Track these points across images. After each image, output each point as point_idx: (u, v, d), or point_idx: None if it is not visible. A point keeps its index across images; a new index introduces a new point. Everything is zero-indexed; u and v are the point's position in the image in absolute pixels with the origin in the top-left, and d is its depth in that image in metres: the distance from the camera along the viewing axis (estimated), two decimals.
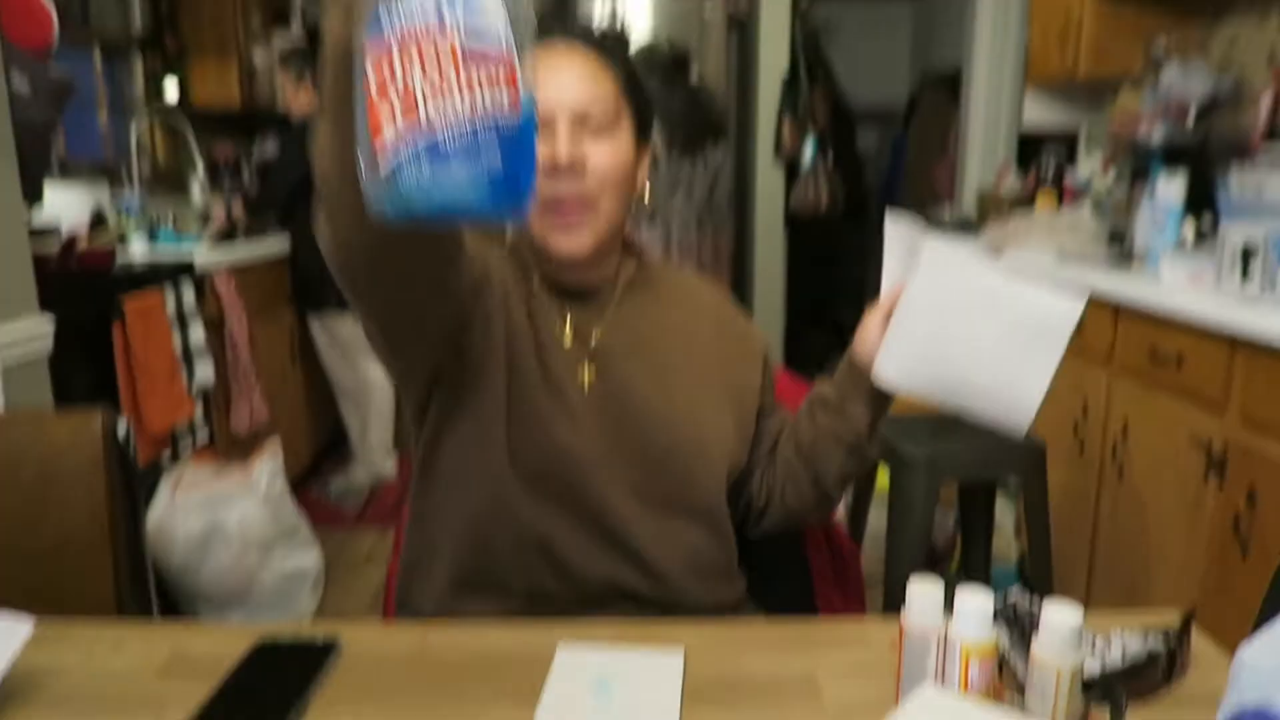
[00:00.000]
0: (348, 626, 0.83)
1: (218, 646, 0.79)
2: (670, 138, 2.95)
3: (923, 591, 0.74)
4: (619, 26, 2.60)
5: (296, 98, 3.21)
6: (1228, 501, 1.74)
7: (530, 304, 0.99)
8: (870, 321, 0.97)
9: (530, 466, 0.94)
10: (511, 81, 0.58)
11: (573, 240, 0.94)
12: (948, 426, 2.08)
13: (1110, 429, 2.17)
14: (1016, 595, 0.81)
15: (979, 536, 2.28)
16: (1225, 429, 1.77)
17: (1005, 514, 2.74)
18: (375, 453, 3.45)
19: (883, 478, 2.15)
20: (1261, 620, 0.50)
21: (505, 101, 0.58)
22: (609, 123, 0.94)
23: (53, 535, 1.11)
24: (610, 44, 0.97)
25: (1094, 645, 0.79)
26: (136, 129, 3.41)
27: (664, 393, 0.99)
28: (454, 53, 0.56)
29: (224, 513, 1.91)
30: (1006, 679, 0.76)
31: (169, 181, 3.78)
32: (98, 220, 2.89)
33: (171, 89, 3.66)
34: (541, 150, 0.89)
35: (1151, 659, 0.77)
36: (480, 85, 0.57)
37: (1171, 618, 0.81)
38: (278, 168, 3.42)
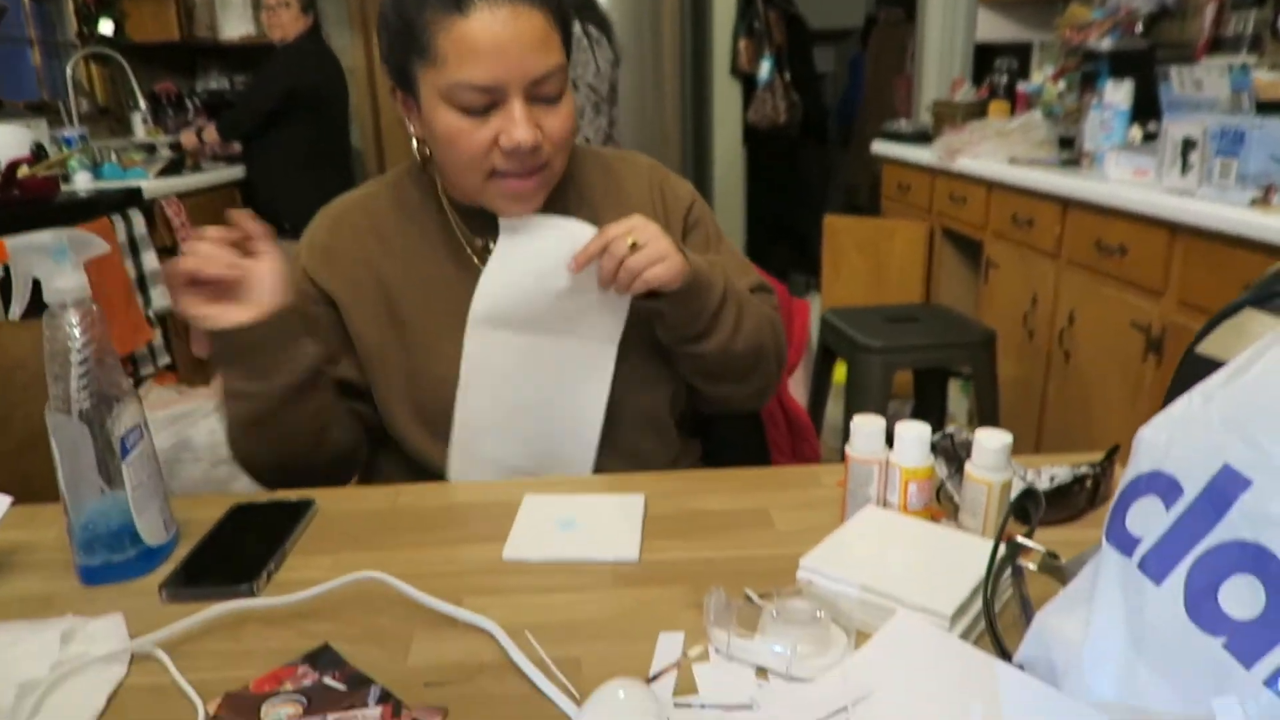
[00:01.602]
0: (321, 491, 0.86)
1: (195, 513, 0.81)
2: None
3: (866, 424, 0.78)
4: None
5: (279, 21, 3.11)
6: (1164, 377, 1.83)
7: (419, 245, 0.95)
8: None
9: (436, 410, 0.94)
10: None
11: (525, 206, 0.88)
12: (902, 317, 2.14)
13: (1058, 318, 2.24)
14: (953, 430, 0.86)
15: (932, 423, 2.37)
16: (1163, 312, 1.84)
17: (960, 404, 2.84)
18: None
19: (840, 371, 2.21)
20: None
21: None
22: (560, 85, 0.84)
23: (19, 434, 1.13)
24: None
25: (1025, 476, 0.85)
26: (71, 67, 3.30)
27: None
28: None
29: (191, 429, 1.91)
30: (945, 505, 0.81)
31: (110, 118, 3.68)
32: (38, 153, 2.82)
33: (106, 27, 3.54)
34: (493, 128, 0.82)
35: (1077, 483, 0.83)
36: None
37: (1098, 455, 0.87)
38: (252, 92, 3.31)
